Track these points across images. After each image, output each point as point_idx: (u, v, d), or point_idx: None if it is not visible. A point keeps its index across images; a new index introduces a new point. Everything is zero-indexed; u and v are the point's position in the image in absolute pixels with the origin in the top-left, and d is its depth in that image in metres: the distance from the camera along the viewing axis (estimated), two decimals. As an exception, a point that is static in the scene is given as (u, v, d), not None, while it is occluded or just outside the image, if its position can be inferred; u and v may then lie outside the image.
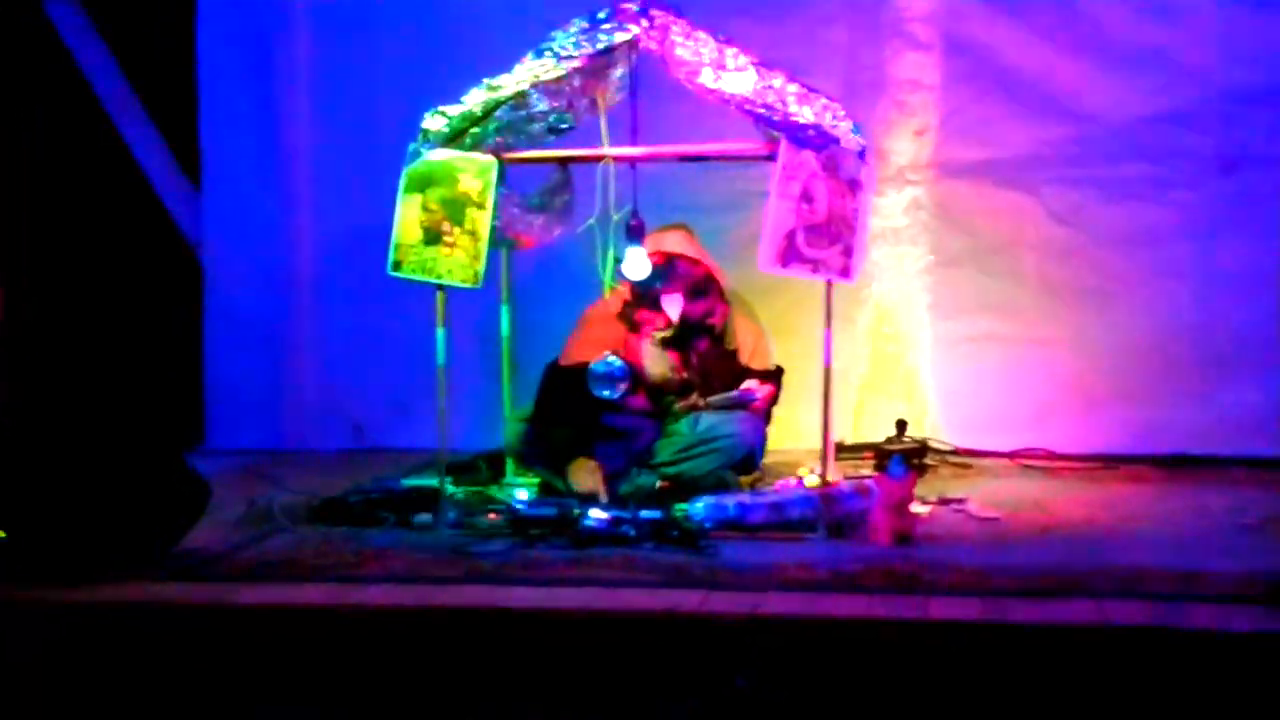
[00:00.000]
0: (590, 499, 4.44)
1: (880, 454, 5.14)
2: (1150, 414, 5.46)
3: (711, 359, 4.82)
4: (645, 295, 4.77)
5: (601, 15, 4.33)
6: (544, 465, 4.73)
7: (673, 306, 4.77)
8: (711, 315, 4.82)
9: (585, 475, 4.57)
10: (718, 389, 4.77)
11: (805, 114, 4.25)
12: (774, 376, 4.85)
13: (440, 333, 4.39)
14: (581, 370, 4.58)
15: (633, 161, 4.49)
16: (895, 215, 5.63)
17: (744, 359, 4.85)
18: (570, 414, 4.63)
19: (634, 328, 4.82)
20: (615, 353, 4.59)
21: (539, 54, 4.34)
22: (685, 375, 4.80)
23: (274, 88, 5.94)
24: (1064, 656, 3.33)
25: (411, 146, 4.39)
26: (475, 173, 4.37)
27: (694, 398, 4.77)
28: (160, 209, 6.18)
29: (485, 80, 4.38)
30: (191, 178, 6.10)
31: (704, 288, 4.80)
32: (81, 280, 6.16)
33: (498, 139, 4.47)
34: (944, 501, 4.67)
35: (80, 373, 5.86)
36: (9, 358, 6.15)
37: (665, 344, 4.79)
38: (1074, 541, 4.17)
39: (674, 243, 4.77)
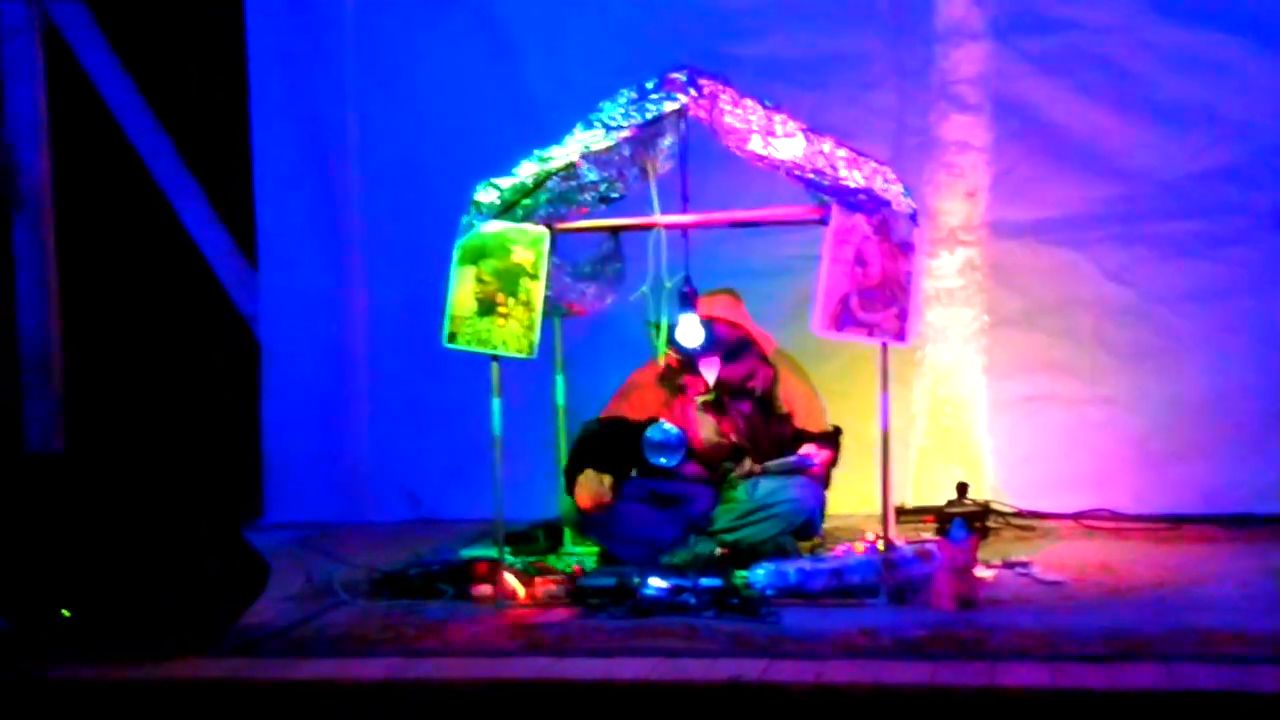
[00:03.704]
0: (599, 512, 4.40)
1: (941, 517, 5.09)
2: (1214, 473, 5.38)
3: (757, 423, 4.79)
4: (687, 360, 4.76)
5: (650, 85, 4.37)
6: (600, 533, 4.71)
7: (709, 370, 4.76)
8: (751, 379, 4.79)
9: (590, 487, 4.54)
10: (766, 453, 4.74)
11: (855, 178, 4.26)
12: (832, 438, 4.82)
13: (496, 403, 4.40)
14: (613, 423, 4.60)
15: (684, 229, 4.51)
16: (949, 276, 5.61)
17: (798, 422, 4.83)
18: (601, 462, 4.63)
19: (677, 392, 4.81)
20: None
21: (588, 125, 4.38)
22: (733, 439, 4.77)
23: (327, 164, 6.02)
24: (1136, 723, 3.27)
25: (464, 219, 4.43)
26: (528, 244, 4.40)
27: (747, 463, 4.75)
28: (217, 286, 6.26)
29: (536, 151, 4.42)
30: (248, 255, 6.19)
31: (741, 351, 4.77)
32: (141, 357, 6.25)
33: (549, 209, 4.50)
34: (1008, 565, 4.61)
35: (140, 450, 5.91)
36: (71, 434, 6.23)
37: (705, 408, 4.77)
38: (1142, 604, 4.10)
39: (713, 307, 4.74)
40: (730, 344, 4.76)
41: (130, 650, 3.79)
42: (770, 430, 4.80)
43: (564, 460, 4.94)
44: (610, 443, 4.67)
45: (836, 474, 4.84)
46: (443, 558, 4.80)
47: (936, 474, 5.53)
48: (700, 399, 4.78)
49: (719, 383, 4.75)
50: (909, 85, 5.62)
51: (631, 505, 4.70)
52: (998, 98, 5.57)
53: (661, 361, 4.77)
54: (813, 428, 4.81)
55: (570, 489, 4.69)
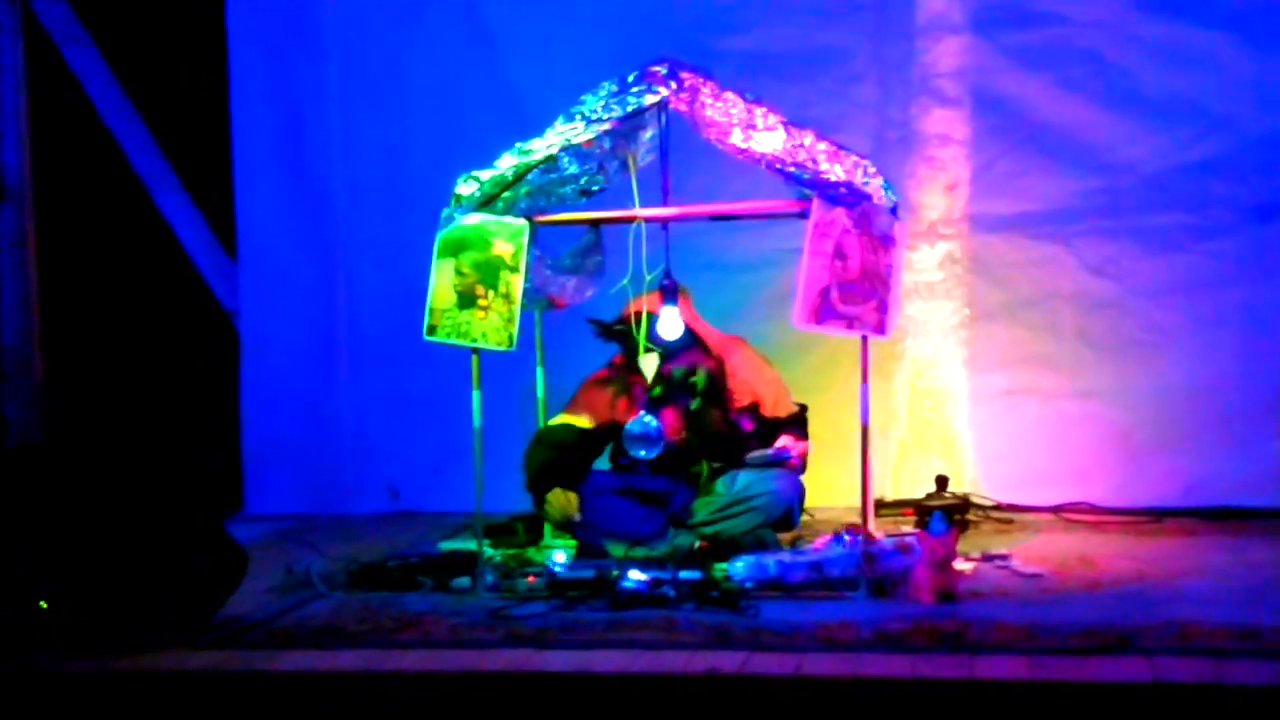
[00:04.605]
0: (565, 526, 4.47)
1: (921, 511, 5.09)
2: (1194, 466, 5.39)
3: (704, 419, 4.76)
4: (629, 359, 4.73)
5: (631, 78, 4.36)
6: (582, 526, 4.71)
7: (648, 366, 4.75)
8: (692, 374, 4.77)
9: (559, 505, 4.60)
10: (716, 449, 4.71)
11: (836, 171, 4.26)
12: (800, 421, 4.80)
13: (476, 395, 4.40)
14: (561, 430, 4.67)
15: (664, 221, 4.50)
16: (929, 270, 5.61)
17: (767, 410, 4.81)
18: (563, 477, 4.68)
19: (624, 390, 4.79)
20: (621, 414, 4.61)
21: (569, 117, 4.37)
22: (680, 438, 4.74)
23: (307, 157, 6.01)
24: (1115, 716, 3.27)
25: (444, 211, 4.42)
26: (508, 236, 4.39)
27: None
28: (198, 279, 6.25)
29: (517, 144, 4.41)
30: (228, 248, 6.17)
31: (682, 347, 4.73)
32: (121, 350, 6.23)
33: (529, 202, 4.49)
34: (987, 558, 4.61)
35: (119, 442, 5.89)
36: (50, 428, 6.21)
37: (651, 405, 4.73)
38: (1122, 597, 4.10)
39: (654, 303, 4.67)
40: (671, 339, 4.73)
41: (110, 642, 3.78)
42: (722, 424, 4.76)
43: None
44: (566, 460, 4.71)
45: (813, 463, 4.82)
46: (422, 550, 4.79)
47: (916, 467, 5.54)
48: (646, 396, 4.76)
49: (659, 378, 4.74)
50: (890, 79, 5.62)
51: (611, 499, 4.70)
52: (979, 92, 5.58)
53: (641, 351, 4.75)
54: (781, 413, 4.80)
55: (538, 505, 4.72)
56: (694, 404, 4.74)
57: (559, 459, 4.74)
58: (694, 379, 4.75)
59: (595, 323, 4.75)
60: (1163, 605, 3.94)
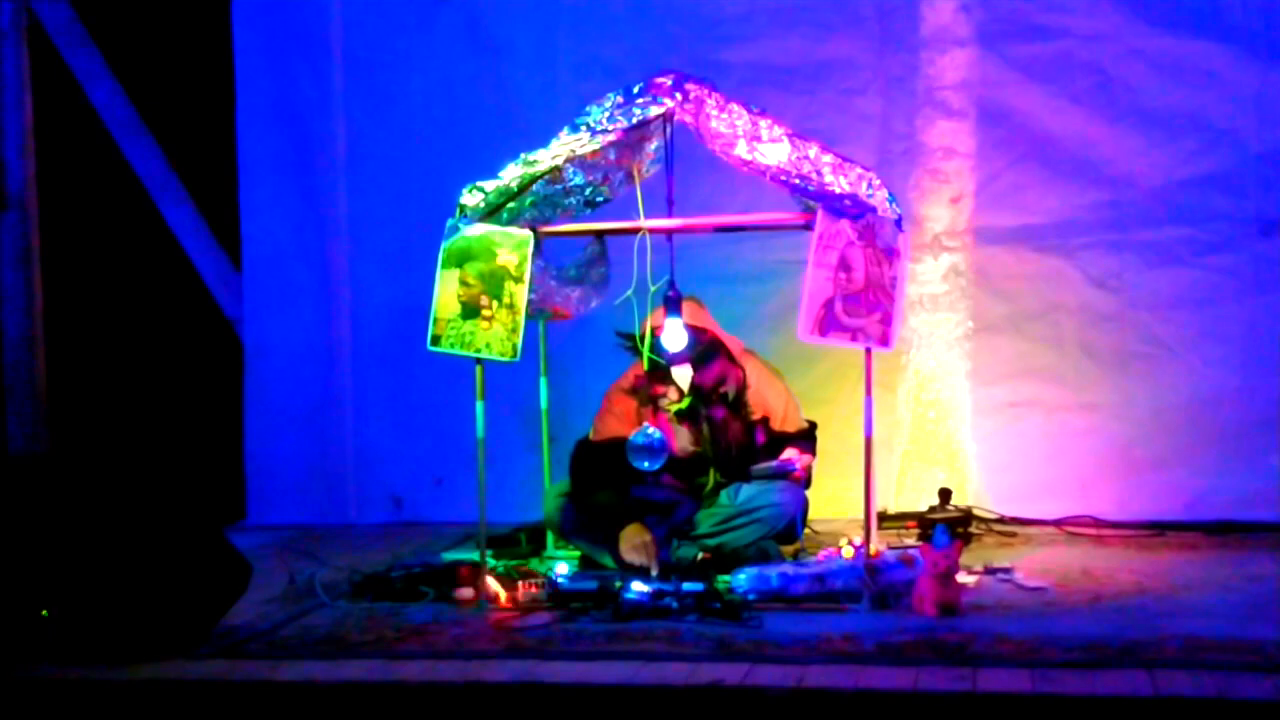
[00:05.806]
0: (640, 570, 4.39)
1: (924, 523, 5.09)
2: (1197, 480, 5.39)
3: (731, 427, 4.76)
4: (658, 369, 4.73)
5: (636, 89, 4.37)
6: (584, 539, 4.71)
7: (682, 376, 4.75)
8: (724, 383, 4.76)
9: (636, 546, 4.51)
10: (737, 461, 4.72)
11: (841, 183, 4.27)
12: (809, 436, 4.80)
13: (479, 405, 4.40)
14: (609, 446, 4.57)
15: (669, 233, 4.51)
16: (933, 282, 5.62)
17: (776, 425, 4.80)
18: (602, 488, 4.62)
19: (648, 402, 4.78)
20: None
21: (574, 128, 4.38)
22: (698, 449, 4.73)
23: (312, 166, 6.02)
24: (1117, 729, 3.28)
25: (449, 222, 4.43)
26: (512, 247, 4.40)
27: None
28: (201, 287, 6.26)
29: (522, 155, 4.42)
30: (232, 257, 6.18)
31: (711, 354, 4.74)
32: (123, 359, 6.24)
33: (534, 213, 4.50)
34: (990, 571, 4.61)
35: (122, 451, 5.90)
36: (53, 437, 6.22)
37: (680, 416, 4.74)
38: (1124, 611, 4.10)
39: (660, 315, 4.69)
40: (700, 348, 4.73)
41: (113, 651, 3.78)
42: (743, 434, 4.76)
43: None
44: (606, 469, 4.64)
45: (817, 475, 4.83)
46: (424, 560, 4.79)
47: (920, 479, 5.54)
48: (674, 408, 4.75)
49: (694, 388, 4.74)
50: (895, 91, 5.63)
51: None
52: (983, 104, 5.59)
53: (645, 368, 4.74)
54: (790, 428, 4.80)
55: (575, 512, 4.66)
56: (722, 415, 4.72)
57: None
58: (725, 390, 4.74)
59: (624, 335, 4.71)
60: (1165, 619, 3.94)
